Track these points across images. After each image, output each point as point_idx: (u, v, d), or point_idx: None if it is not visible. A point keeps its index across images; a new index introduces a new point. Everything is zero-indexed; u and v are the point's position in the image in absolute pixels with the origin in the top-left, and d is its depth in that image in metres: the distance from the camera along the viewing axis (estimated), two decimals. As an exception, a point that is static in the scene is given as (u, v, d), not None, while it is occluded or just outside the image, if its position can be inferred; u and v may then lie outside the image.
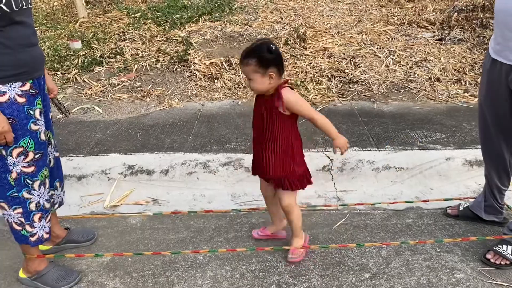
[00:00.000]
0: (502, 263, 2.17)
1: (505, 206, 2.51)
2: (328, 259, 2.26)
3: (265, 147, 2.10)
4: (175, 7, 6.49)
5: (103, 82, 4.57)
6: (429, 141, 3.29)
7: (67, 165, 3.04)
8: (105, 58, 4.97)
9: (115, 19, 6.17)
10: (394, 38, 5.26)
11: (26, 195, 1.91)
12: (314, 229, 2.52)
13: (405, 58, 4.80)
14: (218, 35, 5.42)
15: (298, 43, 5.07)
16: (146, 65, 4.80)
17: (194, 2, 6.76)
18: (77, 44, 5.21)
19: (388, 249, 2.33)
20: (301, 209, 2.65)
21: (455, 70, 4.55)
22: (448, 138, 3.32)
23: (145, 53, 5.05)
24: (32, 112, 1.85)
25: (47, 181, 2.00)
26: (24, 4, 1.77)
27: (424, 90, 4.26)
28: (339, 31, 5.42)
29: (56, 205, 2.26)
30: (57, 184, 2.23)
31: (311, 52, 4.93)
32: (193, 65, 4.74)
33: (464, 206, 2.58)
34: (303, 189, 2.17)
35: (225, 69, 4.66)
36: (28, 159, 1.87)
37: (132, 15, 6.21)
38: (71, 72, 4.71)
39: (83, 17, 6.19)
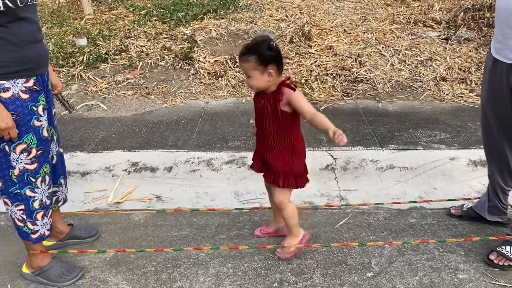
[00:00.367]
0: (505, 264, 2.15)
1: (509, 206, 2.49)
2: (330, 258, 2.26)
3: (266, 144, 2.10)
4: (180, 4, 6.48)
5: (108, 79, 4.58)
6: (434, 140, 3.27)
7: (71, 162, 3.06)
8: (110, 55, 4.98)
9: (121, 16, 6.17)
10: (400, 37, 5.23)
11: (29, 193, 1.92)
12: (317, 227, 2.52)
13: (410, 57, 4.78)
14: (223, 33, 5.41)
15: (303, 41, 5.06)
16: (151, 63, 4.80)
17: (199, 0, 6.75)
18: (83, 41, 5.22)
19: (390, 248, 2.32)
20: (304, 208, 2.67)
21: (460, 69, 4.52)
22: (452, 138, 3.30)
23: (150, 51, 5.05)
24: (35, 109, 1.86)
25: (47, 177, 2.00)
26: (29, 0, 1.77)
27: (429, 89, 4.24)
28: (344, 30, 5.40)
29: (61, 202, 2.27)
30: (62, 181, 2.24)
31: (316, 50, 4.91)
32: (198, 63, 4.74)
33: (468, 207, 2.57)
34: (298, 188, 2.14)
35: (230, 67, 4.66)
36: (31, 155, 1.88)
37: (138, 13, 6.21)
38: (76, 68, 4.72)
39: (88, 14, 6.20)
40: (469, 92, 4.17)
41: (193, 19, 5.87)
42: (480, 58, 4.68)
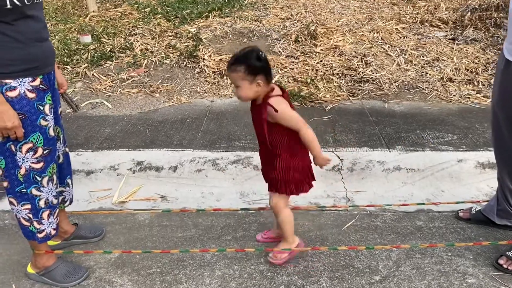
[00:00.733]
0: (515, 269, 2.13)
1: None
2: (337, 260, 2.24)
3: (263, 152, 2.11)
4: (185, 2, 6.46)
5: (112, 76, 4.56)
6: (441, 142, 3.24)
7: (76, 160, 3.04)
8: (114, 52, 4.96)
9: (125, 13, 6.15)
10: (406, 37, 5.20)
11: (35, 192, 1.90)
12: (323, 229, 2.50)
13: (417, 58, 4.74)
14: (228, 31, 5.38)
15: (309, 41, 5.03)
16: (155, 61, 4.78)
17: (204, -2, 6.73)
18: (87, 38, 5.20)
19: (398, 251, 2.30)
20: (310, 209, 2.65)
21: (467, 70, 4.49)
22: (460, 140, 3.27)
23: (154, 48, 5.03)
24: (41, 108, 1.84)
25: (54, 177, 1.98)
26: (35, -2, 1.75)
27: (436, 90, 4.21)
28: (350, 29, 5.37)
29: (67, 202, 2.26)
30: (69, 181, 2.23)
31: (321, 49, 4.88)
32: (203, 61, 4.71)
33: (476, 210, 2.54)
34: (299, 194, 2.12)
35: (235, 65, 4.62)
36: (37, 155, 1.86)
37: (142, 10, 6.19)
38: (80, 66, 4.70)
39: (93, 11, 6.19)
40: (476, 93, 4.13)
41: (198, 17, 5.85)
42: (488, 58, 4.65)
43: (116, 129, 3.55)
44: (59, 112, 2.06)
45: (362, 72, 4.45)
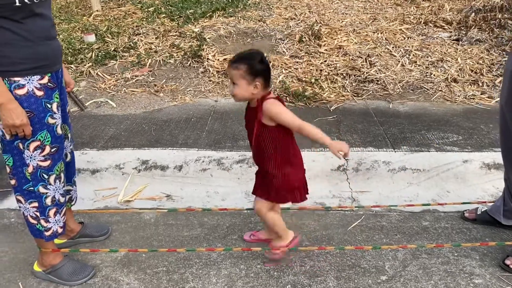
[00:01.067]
0: (522, 269, 2.13)
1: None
2: (343, 260, 2.24)
3: (257, 160, 2.09)
4: (189, 2, 6.46)
5: (116, 76, 4.56)
6: (446, 143, 3.24)
7: (81, 159, 3.04)
8: (118, 52, 4.96)
9: (129, 13, 6.16)
10: (410, 37, 5.19)
11: (42, 189, 1.91)
12: (329, 229, 2.50)
13: (421, 58, 4.74)
14: (232, 31, 5.38)
15: (313, 41, 5.02)
16: (159, 60, 4.78)
17: (208, -3, 6.73)
18: (91, 38, 5.21)
19: (404, 252, 2.30)
20: (315, 209, 2.65)
21: (472, 71, 4.48)
22: (465, 140, 3.27)
23: (158, 48, 5.03)
24: (49, 106, 1.84)
25: (62, 175, 1.99)
26: (44, -4, 1.75)
27: (440, 90, 4.21)
28: (354, 29, 5.36)
29: (74, 201, 2.26)
30: (75, 179, 2.23)
31: (325, 50, 4.88)
32: (207, 61, 4.72)
33: (482, 210, 2.54)
34: (293, 203, 2.10)
35: (239, 65, 4.62)
36: (45, 153, 1.86)
37: (146, 10, 6.19)
38: (84, 65, 4.71)
39: (97, 11, 6.19)
40: (481, 94, 4.13)
41: (201, 17, 5.85)
42: (492, 59, 4.64)
43: (121, 128, 3.55)
44: (66, 111, 2.06)
45: (367, 73, 4.44)
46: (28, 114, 1.77)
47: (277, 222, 2.15)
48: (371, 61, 4.64)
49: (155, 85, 4.36)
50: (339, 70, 4.50)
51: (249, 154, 3.10)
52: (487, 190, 2.89)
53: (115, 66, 4.73)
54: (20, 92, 1.74)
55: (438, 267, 2.19)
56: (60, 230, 2.04)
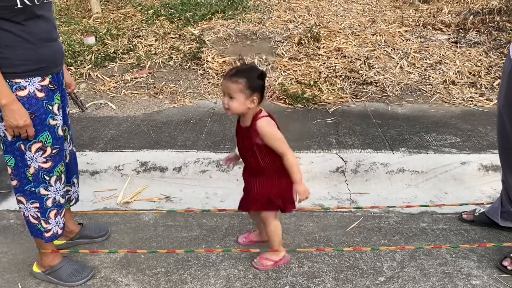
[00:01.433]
0: (519, 270, 2.14)
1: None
2: (342, 261, 2.25)
3: (250, 173, 2.09)
4: (188, 4, 6.49)
5: (116, 78, 4.58)
6: (444, 144, 3.25)
7: (81, 160, 3.03)
8: (118, 54, 4.98)
9: (129, 15, 6.18)
10: (409, 40, 5.22)
11: (43, 191, 1.91)
12: (328, 230, 2.51)
13: (419, 60, 4.76)
14: (231, 33, 5.40)
15: (312, 43, 5.04)
16: (159, 62, 4.80)
17: (207, 0, 6.75)
18: (91, 40, 5.22)
19: (402, 253, 2.31)
20: (314, 211, 2.66)
21: (470, 73, 4.50)
22: (463, 142, 3.28)
23: (158, 50, 5.05)
24: (50, 107, 1.85)
25: (62, 176, 2.00)
26: (45, -3, 1.77)
27: (438, 93, 4.22)
28: (353, 32, 5.38)
29: (73, 202, 2.27)
30: (75, 180, 2.24)
31: (324, 52, 4.90)
32: (206, 63, 4.73)
33: (480, 212, 2.55)
34: (285, 212, 2.12)
35: (238, 67, 4.64)
36: (46, 154, 1.87)
37: (146, 12, 6.21)
38: (84, 67, 4.72)
39: (97, 13, 6.21)
40: (479, 96, 4.14)
41: (201, 19, 5.87)
42: (490, 62, 4.66)
43: (120, 130, 3.56)
44: (67, 112, 2.07)
45: (365, 75, 4.46)
46: (29, 116, 1.78)
47: (278, 233, 2.15)
48: (369, 63, 4.66)
49: (155, 87, 4.37)
50: (338, 72, 4.52)
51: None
52: (485, 191, 2.91)
53: (115, 68, 4.75)
54: (21, 93, 1.76)
55: (436, 268, 2.20)
56: (60, 232, 2.05)
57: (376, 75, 4.47)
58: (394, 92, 4.25)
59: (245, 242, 2.40)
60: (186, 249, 2.31)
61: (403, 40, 5.22)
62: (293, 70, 4.59)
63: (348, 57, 4.77)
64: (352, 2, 6.75)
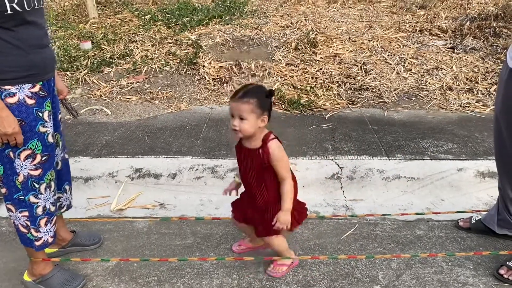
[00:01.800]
0: (515, 279, 2.11)
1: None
2: (337, 269, 2.22)
3: (251, 194, 2.06)
4: (185, 9, 6.48)
5: (112, 83, 4.56)
6: (441, 151, 3.24)
7: (75, 167, 3.02)
8: (114, 59, 4.96)
9: (125, 20, 6.17)
10: (406, 46, 5.21)
11: (32, 199, 1.89)
12: (323, 238, 2.48)
13: (416, 66, 4.75)
14: (228, 39, 5.40)
15: (309, 49, 5.04)
16: (155, 67, 4.78)
17: (204, 5, 6.75)
18: (87, 45, 5.21)
19: (398, 261, 2.28)
20: (309, 218, 2.64)
21: (467, 79, 4.49)
22: (460, 149, 3.27)
23: (154, 55, 5.04)
24: (41, 114, 1.83)
25: (52, 183, 1.97)
26: (36, 4, 1.74)
27: (435, 98, 4.21)
28: (349, 37, 5.38)
29: (64, 208, 2.24)
30: (66, 187, 2.21)
31: (321, 57, 4.89)
32: (203, 68, 4.72)
33: (476, 219, 2.53)
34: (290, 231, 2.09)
35: (235, 73, 4.63)
36: (36, 161, 1.85)
37: (143, 17, 6.20)
38: (80, 72, 4.70)
39: (93, 18, 6.20)
40: (476, 102, 4.13)
41: (198, 25, 5.87)
42: (487, 67, 4.65)
43: (115, 135, 3.54)
44: (58, 119, 2.05)
45: (362, 80, 4.45)
46: (19, 123, 1.75)
47: (283, 244, 2.13)
48: (366, 69, 4.65)
49: (151, 93, 4.36)
50: (335, 78, 4.50)
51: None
52: (481, 198, 2.89)
53: (111, 73, 4.73)
54: (11, 100, 1.73)
55: (432, 276, 2.17)
56: (50, 240, 2.02)
57: (372, 81, 4.46)
58: (390, 98, 4.24)
59: (240, 250, 2.37)
60: (179, 257, 2.28)
61: (400, 46, 5.21)
62: (290, 76, 4.58)
63: (345, 63, 4.76)
64: (349, 7, 6.76)
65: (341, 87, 4.39)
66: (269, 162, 1.91)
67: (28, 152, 1.81)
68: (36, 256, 2.05)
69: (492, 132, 2.35)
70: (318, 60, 4.84)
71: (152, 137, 3.50)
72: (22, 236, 1.98)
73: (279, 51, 5.08)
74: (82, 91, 4.44)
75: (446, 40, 5.37)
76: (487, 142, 3.36)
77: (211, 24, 5.93)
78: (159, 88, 4.45)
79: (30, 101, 1.78)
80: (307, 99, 4.12)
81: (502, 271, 2.15)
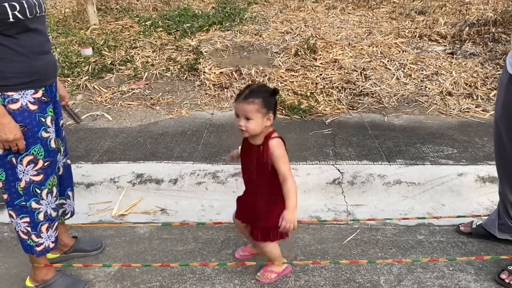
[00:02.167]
0: (517, 283, 2.12)
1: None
2: (338, 275, 2.22)
3: (257, 193, 2.05)
4: (185, 16, 6.52)
5: (113, 89, 4.57)
6: (441, 156, 3.25)
7: (76, 172, 3.02)
8: (115, 65, 4.98)
9: (126, 26, 6.20)
10: (405, 51, 5.24)
11: (34, 205, 1.90)
12: (324, 243, 2.49)
13: (416, 71, 4.77)
14: (228, 45, 5.42)
15: (308, 54, 5.06)
16: (156, 73, 4.80)
17: (204, 12, 6.79)
18: (88, 51, 5.23)
19: (399, 266, 2.29)
20: (310, 223, 2.64)
21: (466, 84, 4.51)
22: (460, 154, 3.28)
23: (155, 61, 5.06)
24: (43, 120, 1.84)
25: (54, 189, 1.98)
26: (38, 11, 1.76)
27: (435, 104, 4.23)
28: (349, 43, 5.41)
29: (68, 215, 2.25)
30: (69, 193, 2.22)
31: (321, 63, 4.91)
32: (203, 74, 4.74)
33: (477, 224, 2.54)
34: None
35: (235, 78, 4.65)
36: (38, 167, 1.86)
37: (143, 23, 6.24)
38: (81, 78, 4.72)
39: (94, 24, 6.23)
40: (476, 107, 4.15)
41: (198, 31, 5.89)
42: (486, 73, 4.67)
43: (116, 141, 3.55)
44: (60, 124, 2.06)
45: (362, 86, 4.47)
46: (21, 129, 1.77)
47: (275, 250, 2.12)
48: (366, 74, 4.67)
49: (151, 98, 4.37)
50: (335, 83, 4.52)
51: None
52: (482, 203, 2.90)
53: (112, 79, 4.75)
54: (14, 106, 1.75)
55: (433, 281, 2.17)
56: (51, 245, 2.02)
57: (372, 86, 4.48)
58: (390, 103, 4.25)
59: (243, 257, 2.37)
60: (181, 263, 2.29)
61: (400, 51, 5.24)
62: (290, 81, 4.59)
63: (345, 68, 4.78)
64: (349, 13, 6.80)
65: (341, 93, 4.40)
66: (269, 159, 1.91)
67: (30, 157, 1.82)
68: (38, 262, 2.05)
69: (492, 137, 2.37)
70: (318, 66, 4.86)
71: (153, 143, 3.50)
72: (23, 242, 1.98)
73: (279, 57, 5.10)
74: (83, 97, 4.45)
75: (446, 45, 5.40)
76: (487, 147, 3.37)
77: (211, 30, 5.96)
78: (160, 94, 4.47)
79: (32, 107, 1.79)
80: (307, 105, 4.14)
81: (503, 276, 2.15)
